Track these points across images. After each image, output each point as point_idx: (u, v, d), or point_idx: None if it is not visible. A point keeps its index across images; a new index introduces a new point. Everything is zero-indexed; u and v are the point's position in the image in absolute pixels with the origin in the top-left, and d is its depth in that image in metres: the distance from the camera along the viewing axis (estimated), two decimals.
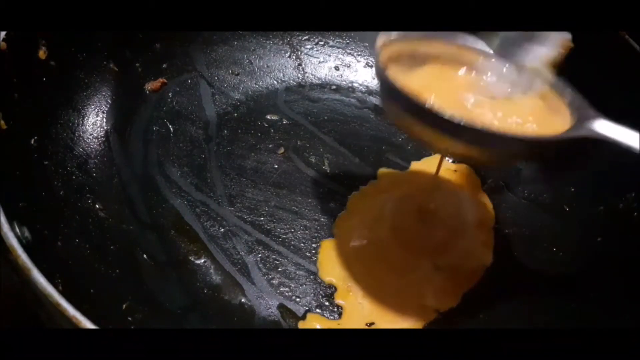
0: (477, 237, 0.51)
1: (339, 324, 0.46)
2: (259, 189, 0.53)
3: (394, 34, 0.44)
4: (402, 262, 0.48)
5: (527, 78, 0.43)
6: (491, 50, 0.45)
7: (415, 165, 0.55)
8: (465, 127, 0.37)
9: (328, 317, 0.46)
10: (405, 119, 0.40)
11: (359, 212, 0.52)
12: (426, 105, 0.38)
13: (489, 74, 0.44)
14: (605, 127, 0.38)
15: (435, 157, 0.55)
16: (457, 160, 0.55)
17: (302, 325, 0.45)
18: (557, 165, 0.51)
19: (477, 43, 0.45)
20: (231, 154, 0.55)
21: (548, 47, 0.43)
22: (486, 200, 0.53)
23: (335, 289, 0.47)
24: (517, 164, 0.54)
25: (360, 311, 0.46)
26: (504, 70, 0.44)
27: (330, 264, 0.49)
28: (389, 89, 0.40)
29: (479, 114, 0.42)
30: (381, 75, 0.41)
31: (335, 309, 0.46)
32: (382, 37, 0.43)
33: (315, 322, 0.46)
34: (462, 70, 0.45)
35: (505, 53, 0.44)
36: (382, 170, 0.55)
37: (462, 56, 0.45)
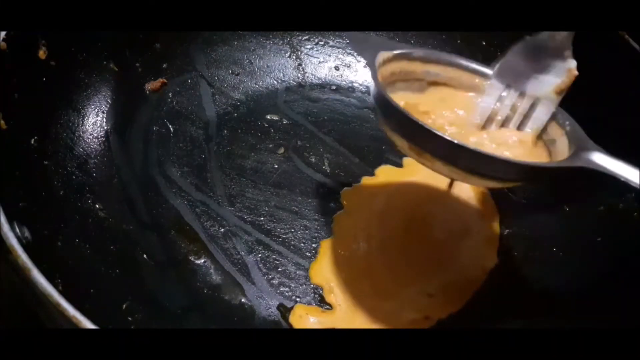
0: (481, 237, 0.50)
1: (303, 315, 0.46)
2: (259, 189, 0.53)
3: (394, 52, 0.43)
4: (386, 285, 0.47)
5: (529, 106, 0.43)
6: (492, 75, 0.44)
7: (409, 161, 0.55)
8: (459, 147, 0.37)
9: None
10: (400, 137, 0.40)
11: (356, 212, 0.51)
12: (422, 125, 0.38)
13: (491, 100, 0.44)
14: (603, 160, 0.38)
15: None
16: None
17: (292, 317, 0.45)
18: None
19: (479, 68, 0.45)
20: (231, 154, 0.55)
21: (553, 75, 0.42)
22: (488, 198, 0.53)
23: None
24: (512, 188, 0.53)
25: (337, 313, 0.46)
26: (506, 97, 0.44)
27: (321, 265, 0.48)
28: (388, 109, 0.40)
29: (474, 139, 0.42)
30: (380, 94, 0.40)
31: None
32: (382, 55, 0.42)
33: (304, 311, 0.46)
34: (465, 95, 0.45)
35: (505, 79, 0.44)
36: (381, 167, 0.55)
37: (465, 80, 0.45)
